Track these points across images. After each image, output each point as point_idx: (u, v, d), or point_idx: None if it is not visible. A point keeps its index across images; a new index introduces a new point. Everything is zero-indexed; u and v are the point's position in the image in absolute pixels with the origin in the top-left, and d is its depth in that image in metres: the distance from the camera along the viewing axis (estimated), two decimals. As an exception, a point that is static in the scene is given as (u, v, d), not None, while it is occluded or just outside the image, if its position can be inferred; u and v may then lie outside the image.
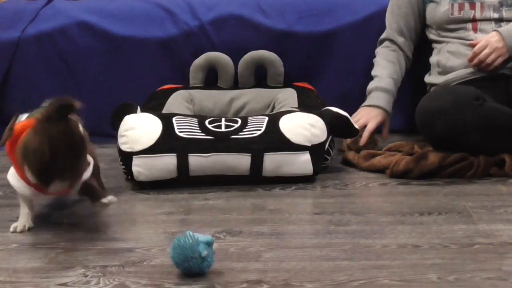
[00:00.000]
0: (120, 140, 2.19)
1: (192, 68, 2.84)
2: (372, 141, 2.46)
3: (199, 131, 2.17)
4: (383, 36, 2.65)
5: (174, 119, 2.21)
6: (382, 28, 2.67)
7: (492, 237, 1.64)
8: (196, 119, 2.24)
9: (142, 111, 2.36)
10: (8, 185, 2.25)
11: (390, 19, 2.64)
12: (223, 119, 2.24)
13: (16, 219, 1.91)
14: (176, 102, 2.65)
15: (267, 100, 2.72)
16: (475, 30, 2.44)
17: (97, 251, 1.63)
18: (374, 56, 2.66)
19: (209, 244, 1.46)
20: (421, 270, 1.46)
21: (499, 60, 2.35)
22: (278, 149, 2.15)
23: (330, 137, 2.31)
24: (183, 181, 2.16)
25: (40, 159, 1.65)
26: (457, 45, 2.46)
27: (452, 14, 2.46)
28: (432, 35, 2.58)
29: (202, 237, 1.46)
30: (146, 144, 2.13)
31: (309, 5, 2.90)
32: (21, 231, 1.79)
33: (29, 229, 1.80)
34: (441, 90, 2.37)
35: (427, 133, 2.30)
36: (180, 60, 2.89)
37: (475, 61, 2.36)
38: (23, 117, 1.91)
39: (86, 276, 1.48)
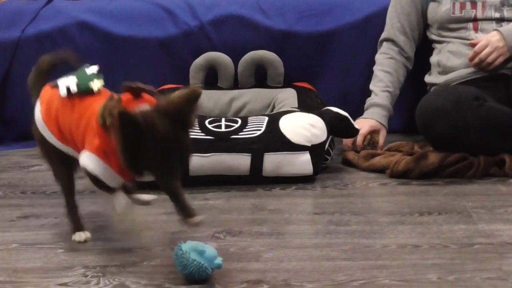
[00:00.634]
0: (120, 140, 2.18)
1: (192, 68, 2.84)
2: (370, 143, 2.46)
3: (199, 131, 2.17)
4: (383, 36, 2.65)
5: (174, 119, 2.21)
6: (382, 28, 2.67)
7: (492, 237, 1.64)
8: (196, 119, 2.23)
9: (142, 111, 2.36)
10: (8, 185, 2.26)
11: (392, 18, 2.63)
12: (223, 119, 2.24)
13: (16, 219, 1.91)
14: (176, 102, 2.64)
15: (267, 100, 2.72)
16: (476, 30, 2.44)
17: (97, 251, 1.63)
18: (374, 56, 2.66)
19: (200, 253, 1.43)
20: (421, 270, 1.46)
21: (500, 60, 2.35)
22: (278, 149, 2.15)
23: (330, 137, 2.31)
24: (183, 181, 2.15)
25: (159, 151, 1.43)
26: (458, 44, 2.46)
27: (453, 13, 2.46)
28: (432, 35, 2.58)
29: (193, 245, 1.45)
30: (146, 144, 2.13)
31: (309, 5, 2.90)
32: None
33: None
34: (441, 90, 2.37)
35: (427, 133, 2.30)
36: (180, 60, 2.89)
37: (476, 60, 2.37)
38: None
39: (86, 276, 1.48)
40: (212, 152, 2.14)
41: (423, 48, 2.64)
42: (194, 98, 1.47)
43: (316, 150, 2.19)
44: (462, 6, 2.45)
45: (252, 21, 2.87)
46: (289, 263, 1.52)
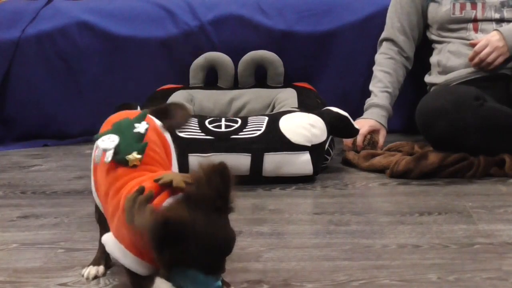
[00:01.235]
0: (120, 140, 2.18)
1: (192, 68, 2.84)
2: (370, 143, 2.46)
3: (199, 131, 2.17)
4: (383, 35, 2.65)
5: (174, 119, 2.21)
6: (382, 28, 2.67)
7: (492, 237, 1.64)
8: (196, 119, 2.24)
9: (142, 111, 2.36)
10: (8, 185, 2.26)
11: (392, 18, 2.63)
12: (223, 119, 2.24)
13: (16, 219, 1.91)
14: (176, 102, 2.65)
15: (267, 100, 2.72)
16: (476, 30, 2.44)
17: (97, 251, 1.63)
18: (374, 56, 2.66)
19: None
20: (421, 270, 1.46)
21: (500, 60, 2.35)
22: (278, 149, 2.15)
23: (330, 137, 2.31)
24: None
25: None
26: (458, 45, 2.46)
27: (453, 13, 2.46)
28: (432, 35, 2.58)
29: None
30: (146, 144, 2.13)
31: (309, 5, 2.90)
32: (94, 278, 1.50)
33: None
34: (441, 90, 2.37)
35: (427, 133, 2.30)
36: (180, 60, 2.89)
37: (476, 60, 2.37)
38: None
39: (88, 278, 1.48)
40: (212, 152, 2.14)
41: (423, 48, 2.64)
42: (225, 173, 1.24)
43: (316, 150, 2.19)
44: (462, 7, 2.45)
45: (252, 21, 2.87)
46: (289, 263, 1.52)
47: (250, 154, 2.14)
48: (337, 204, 1.96)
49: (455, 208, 1.89)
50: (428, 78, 2.58)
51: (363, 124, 2.46)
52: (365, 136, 2.46)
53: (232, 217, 1.86)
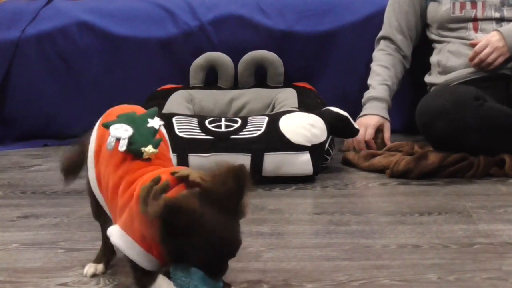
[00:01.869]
0: (120, 140, 2.18)
1: (192, 68, 2.84)
2: (377, 141, 2.46)
3: (199, 131, 2.17)
4: (380, 34, 2.65)
5: (174, 119, 2.21)
6: (382, 27, 2.67)
7: (492, 237, 1.64)
8: (196, 119, 2.24)
9: (142, 111, 2.36)
10: (8, 185, 2.26)
11: (390, 17, 2.63)
12: (223, 119, 2.24)
13: (16, 219, 1.91)
14: (176, 102, 2.65)
15: (267, 100, 2.72)
16: (475, 29, 2.44)
17: (97, 251, 1.62)
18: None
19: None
20: (421, 270, 1.46)
21: (500, 60, 2.35)
22: (278, 149, 2.15)
23: (330, 137, 2.31)
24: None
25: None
26: (458, 44, 2.46)
27: (453, 13, 2.46)
28: (432, 34, 2.58)
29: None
30: (146, 144, 2.13)
31: (309, 5, 2.90)
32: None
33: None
34: (441, 90, 2.37)
35: (428, 133, 2.29)
36: (180, 60, 2.89)
37: (476, 60, 2.36)
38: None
39: (86, 276, 1.48)
40: (212, 152, 2.14)
41: (423, 48, 2.64)
42: (242, 176, 1.25)
43: (316, 150, 2.19)
44: (462, 6, 2.45)
45: (252, 21, 2.87)
46: (289, 263, 1.52)
47: (250, 154, 2.14)
48: (337, 204, 1.96)
49: (455, 208, 1.89)
50: (428, 78, 2.58)
51: (368, 124, 2.46)
52: (375, 136, 2.45)
53: (232, 217, 1.86)
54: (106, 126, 1.43)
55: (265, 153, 2.15)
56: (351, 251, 1.58)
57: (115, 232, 1.31)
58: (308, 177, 2.19)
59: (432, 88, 2.53)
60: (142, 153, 1.37)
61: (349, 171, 2.32)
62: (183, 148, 2.12)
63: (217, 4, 2.94)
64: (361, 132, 2.44)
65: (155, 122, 1.45)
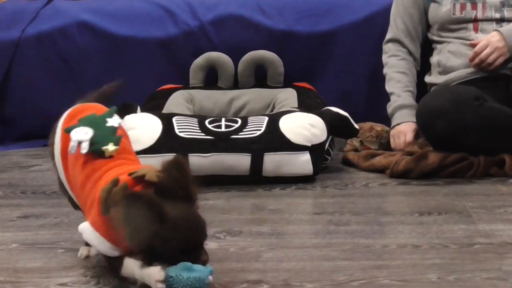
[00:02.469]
0: (120, 140, 2.18)
1: (192, 68, 2.84)
2: (418, 143, 2.40)
3: (199, 131, 2.17)
4: (389, 36, 2.62)
5: (174, 119, 2.21)
6: (382, 28, 2.67)
7: (492, 237, 1.64)
8: (196, 119, 2.24)
9: (142, 111, 2.37)
10: (8, 185, 2.26)
11: (396, 20, 2.60)
12: (223, 119, 2.24)
13: (16, 219, 1.91)
14: (176, 102, 2.65)
15: (267, 100, 2.72)
16: (476, 30, 2.44)
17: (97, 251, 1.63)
18: (374, 56, 2.66)
19: (189, 268, 1.30)
20: (421, 270, 1.46)
21: (500, 60, 2.35)
22: (278, 149, 2.15)
23: (330, 137, 2.31)
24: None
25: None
26: (458, 45, 2.46)
27: (454, 14, 2.46)
28: (433, 35, 2.58)
29: (179, 267, 1.31)
30: (146, 144, 2.13)
31: (309, 5, 2.90)
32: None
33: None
34: (441, 90, 2.37)
35: (428, 133, 2.29)
36: (180, 60, 2.89)
37: (476, 60, 2.36)
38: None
39: (86, 276, 1.48)
40: (212, 152, 2.14)
41: (424, 48, 2.64)
42: (181, 164, 1.38)
43: (316, 150, 2.19)
44: (463, 7, 2.45)
45: (252, 21, 2.87)
46: (289, 263, 1.52)
47: (250, 154, 2.14)
48: (337, 204, 1.96)
49: (455, 208, 1.89)
50: (428, 78, 2.58)
51: (406, 130, 2.42)
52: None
53: (232, 217, 1.87)
54: (67, 131, 1.53)
55: (265, 153, 2.15)
56: (351, 251, 1.58)
57: (86, 229, 1.42)
58: (308, 177, 2.19)
59: (432, 88, 2.53)
60: (103, 152, 1.46)
61: (349, 171, 2.32)
62: (183, 148, 2.12)
63: (217, 4, 2.94)
64: (400, 140, 2.41)
65: (114, 121, 1.54)
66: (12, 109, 2.96)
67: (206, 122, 2.21)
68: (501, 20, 2.42)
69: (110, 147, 1.47)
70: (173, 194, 1.33)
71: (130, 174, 1.37)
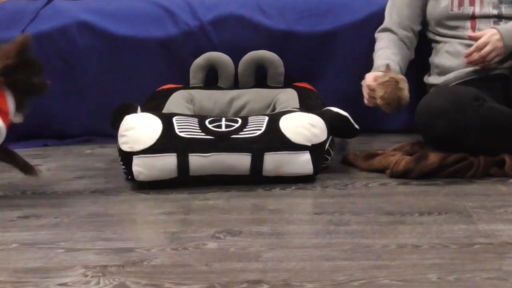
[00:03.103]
0: (120, 140, 2.18)
1: (192, 68, 2.84)
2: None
3: (199, 131, 2.17)
4: (381, 27, 2.61)
5: (174, 119, 2.21)
6: (382, 28, 2.67)
7: (492, 237, 1.64)
8: (196, 119, 2.24)
9: (142, 111, 2.36)
10: (8, 185, 2.26)
11: (390, 12, 2.60)
12: (223, 119, 2.24)
13: (16, 219, 1.91)
14: (176, 102, 2.65)
15: (267, 100, 2.72)
16: (473, 29, 2.44)
17: (97, 251, 1.63)
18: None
19: None
20: (421, 270, 1.46)
21: (496, 59, 2.35)
22: (278, 149, 2.15)
23: (330, 137, 2.31)
24: (183, 181, 2.16)
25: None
26: (455, 45, 2.46)
27: (451, 10, 2.46)
28: (430, 33, 2.58)
29: None
30: (147, 144, 2.13)
31: (309, 5, 2.90)
32: None
33: None
34: (441, 90, 2.37)
35: (427, 133, 2.30)
36: (180, 60, 2.89)
37: (475, 56, 2.35)
38: None
39: (86, 276, 1.48)
40: (212, 152, 2.14)
41: (423, 48, 2.64)
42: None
43: (316, 150, 2.19)
44: (460, 3, 2.45)
45: (252, 21, 2.87)
46: (289, 263, 1.52)
47: (250, 154, 2.14)
48: (337, 204, 1.96)
49: (455, 208, 1.89)
50: (427, 79, 2.58)
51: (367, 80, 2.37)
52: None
53: (232, 217, 1.87)
54: None
55: (265, 153, 2.15)
56: (351, 251, 1.58)
57: None
58: (308, 177, 2.19)
59: (432, 89, 2.53)
60: None
61: (349, 171, 2.32)
62: (183, 148, 2.12)
63: (217, 4, 2.94)
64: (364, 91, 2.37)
65: None
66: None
67: (206, 122, 2.21)
68: (498, 17, 2.42)
69: None
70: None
71: None
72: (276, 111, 2.57)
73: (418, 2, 2.57)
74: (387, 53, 2.51)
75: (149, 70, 2.92)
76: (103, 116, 2.71)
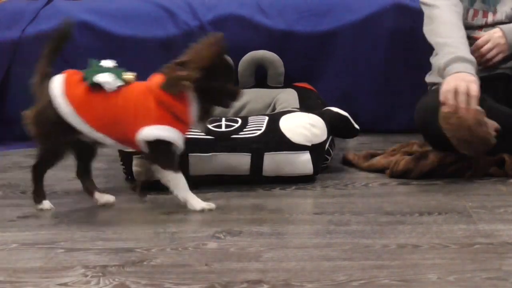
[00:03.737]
0: (120, 140, 2.18)
1: (192, 68, 2.84)
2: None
3: (199, 130, 2.17)
4: None
5: (174, 119, 2.21)
6: (383, 28, 2.67)
7: (492, 237, 1.64)
8: (196, 119, 2.23)
9: (142, 111, 2.36)
10: (8, 185, 2.26)
11: None
12: (223, 119, 2.24)
13: (16, 219, 1.91)
14: (176, 102, 2.64)
15: (267, 100, 2.72)
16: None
17: (97, 251, 1.63)
18: (374, 56, 2.65)
19: None
20: (421, 270, 1.46)
21: (499, 57, 2.33)
22: (278, 149, 2.15)
23: (330, 137, 2.31)
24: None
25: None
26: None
27: (466, 19, 2.40)
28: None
29: None
30: (146, 144, 2.13)
31: (309, 5, 2.90)
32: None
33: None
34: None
35: (427, 133, 2.29)
36: (180, 60, 2.89)
37: (475, 54, 2.34)
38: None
39: (86, 276, 1.48)
40: (212, 152, 2.14)
41: (423, 48, 2.63)
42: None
43: (316, 150, 2.19)
44: (475, 14, 2.41)
45: (252, 21, 2.87)
46: (289, 263, 1.52)
47: (250, 154, 2.14)
48: (337, 204, 1.96)
49: (455, 208, 1.89)
50: (428, 78, 2.58)
51: (469, 80, 2.11)
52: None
53: (232, 217, 1.87)
54: (91, 80, 2.01)
55: (265, 153, 2.15)
56: (351, 251, 1.58)
57: (153, 130, 1.84)
58: (308, 177, 2.19)
59: (432, 88, 2.53)
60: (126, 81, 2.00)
61: (349, 171, 2.32)
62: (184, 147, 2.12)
63: (217, 4, 2.94)
64: (462, 87, 2.08)
65: (107, 63, 2.09)
66: (12, 109, 2.95)
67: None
68: (508, 24, 2.39)
69: (128, 75, 2.01)
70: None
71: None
72: (276, 111, 2.58)
73: None
74: (461, 34, 2.24)
75: (149, 70, 2.91)
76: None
